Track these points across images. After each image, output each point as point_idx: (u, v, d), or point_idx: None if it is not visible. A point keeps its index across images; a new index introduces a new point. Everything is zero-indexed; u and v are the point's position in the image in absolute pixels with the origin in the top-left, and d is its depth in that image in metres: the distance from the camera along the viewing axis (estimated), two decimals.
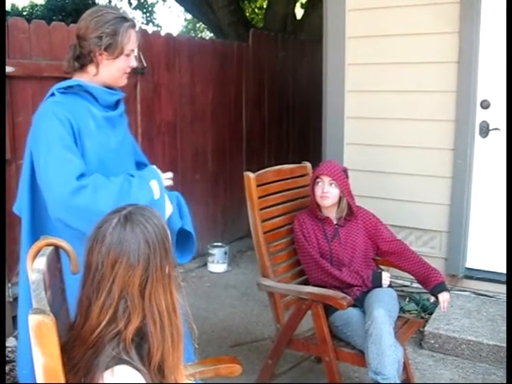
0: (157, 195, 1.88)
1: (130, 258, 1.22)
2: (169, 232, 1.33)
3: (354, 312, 2.45)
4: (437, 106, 3.58)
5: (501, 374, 2.92)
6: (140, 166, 2.24)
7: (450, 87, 3.50)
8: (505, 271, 3.46)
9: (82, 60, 1.91)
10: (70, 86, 1.90)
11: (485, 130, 3.48)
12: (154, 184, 1.89)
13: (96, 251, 1.23)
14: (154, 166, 2.02)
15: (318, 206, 2.65)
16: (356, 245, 2.64)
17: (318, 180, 2.63)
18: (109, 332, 1.22)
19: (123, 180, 1.85)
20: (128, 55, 1.94)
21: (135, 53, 1.98)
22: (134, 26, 1.93)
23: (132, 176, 1.89)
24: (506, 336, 3.03)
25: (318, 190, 2.62)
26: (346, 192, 2.62)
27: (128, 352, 1.21)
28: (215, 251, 4.56)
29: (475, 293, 3.58)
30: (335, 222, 2.67)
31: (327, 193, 2.59)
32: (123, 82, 2.01)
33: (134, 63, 1.97)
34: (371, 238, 2.69)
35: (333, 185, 2.59)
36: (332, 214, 2.67)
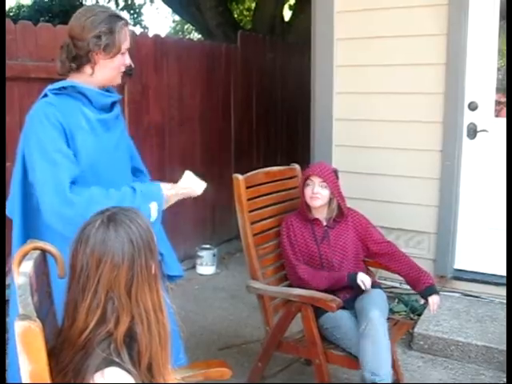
0: (153, 217, 1.86)
1: (115, 258, 1.22)
2: (154, 233, 1.32)
3: (343, 314, 2.45)
4: (425, 108, 3.58)
5: (489, 375, 2.93)
6: (135, 171, 2.21)
7: (437, 89, 3.51)
8: (493, 272, 3.50)
9: (79, 61, 1.88)
10: (64, 87, 1.88)
11: (472, 132, 3.50)
12: (153, 206, 1.87)
13: (80, 253, 1.23)
14: (161, 185, 1.96)
15: (308, 207, 2.65)
16: (346, 246, 2.64)
17: (308, 181, 2.62)
18: (98, 334, 1.21)
19: (122, 196, 1.82)
20: (123, 53, 1.93)
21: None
22: (127, 24, 1.93)
23: (134, 191, 1.86)
24: (495, 337, 3.05)
25: (308, 191, 2.61)
26: (336, 193, 2.61)
27: (119, 353, 1.20)
28: (204, 253, 4.54)
29: (464, 294, 3.60)
30: (325, 224, 2.66)
31: (317, 194, 2.58)
32: (118, 80, 2.00)
33: (128, 61, 1.96)
34: (361, 240, 2.69)
35: (323, 186, 2.59)
36: (322, 215, 2.66)
